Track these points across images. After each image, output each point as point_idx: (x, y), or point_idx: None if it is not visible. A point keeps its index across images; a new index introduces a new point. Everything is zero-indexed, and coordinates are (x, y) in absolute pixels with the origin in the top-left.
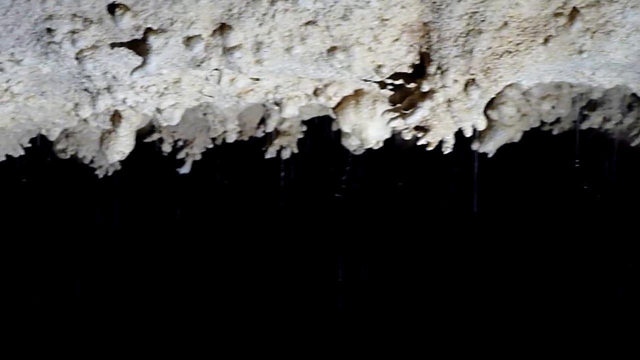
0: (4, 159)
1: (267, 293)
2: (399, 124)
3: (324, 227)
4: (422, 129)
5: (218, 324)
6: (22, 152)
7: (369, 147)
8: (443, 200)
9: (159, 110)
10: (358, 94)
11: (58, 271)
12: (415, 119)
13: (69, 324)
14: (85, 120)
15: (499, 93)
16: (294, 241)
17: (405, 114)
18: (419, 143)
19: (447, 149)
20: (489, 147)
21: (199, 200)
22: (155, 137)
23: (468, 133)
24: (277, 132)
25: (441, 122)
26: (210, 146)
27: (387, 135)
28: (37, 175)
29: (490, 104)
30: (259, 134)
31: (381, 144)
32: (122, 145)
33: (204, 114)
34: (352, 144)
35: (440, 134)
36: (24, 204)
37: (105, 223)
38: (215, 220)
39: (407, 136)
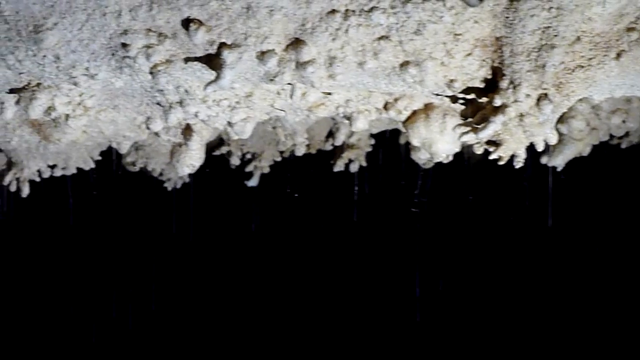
0: (74, 171)
1: (343, 307)
2: (470, 138)
3: (396, 242)
4: (493, 143)
5: (295, 336)
6: (92, 165)
7: (438, 161)
8: (514, 213)
9: (230, 124)
10: (428, 108)
11: (132, 283)
12: (488, 133)
13: (146, 337)
14: (156, 133)
15: (569, 107)
16: (366, 255)
17: (477, 128)
18: (491, 157)
19: (519, 163)
20: (558, 161)
21: (268, 213)
22: (224, 150)
23: (540, 147)
24: (345, 145)
25: (513, 136)
26: (279, 159)
27: (457, 149)
28: (106, 187)
29: (560, 118)
30: (327, 147)
31: (451, 158)
32: (193, 159)
33: (273, 127)
34: (421, 157)
35: (512, 149)
36: (95, 216)
37: (177, 235)
38: (286, 233)
39: (479, 150)
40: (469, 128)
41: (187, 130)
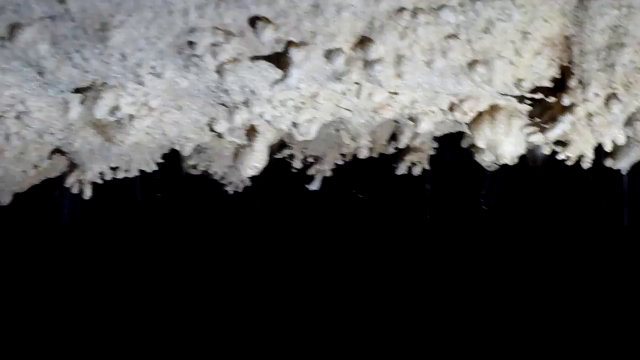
0: (137, 173)
1: (412, 307)
2: (538, 138)
3: (465, 243)
4: (561, 143)
5: (363, 339)
6: (155, 167)
7: (503, 163)
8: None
9: (295, 125)
10: (494, 109)
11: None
12: (556, 133)
13: (212, 336)
14: (219, 135)
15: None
16: (436, 257)
17: (545, 128)
18: (559, 157)
19: (586, 163)
20: (623, 163)
21: (332, 215)
22: (285, 153)
23: (608, 148)
24: (408, 148)
25: (581, 136)
26: (341, 162)
27: (522, 151)
28: (169, 190)
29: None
30: (390, 150)
31: (516, 160)
32: (257, 160)
33: (336, 130)
34: (485, 159)
35: (580, 149)
36: (159, 218)
37: (241, 238)
38: (350, 236)
39: (546, 151)
40: (537, 128)
41: (251, 132)
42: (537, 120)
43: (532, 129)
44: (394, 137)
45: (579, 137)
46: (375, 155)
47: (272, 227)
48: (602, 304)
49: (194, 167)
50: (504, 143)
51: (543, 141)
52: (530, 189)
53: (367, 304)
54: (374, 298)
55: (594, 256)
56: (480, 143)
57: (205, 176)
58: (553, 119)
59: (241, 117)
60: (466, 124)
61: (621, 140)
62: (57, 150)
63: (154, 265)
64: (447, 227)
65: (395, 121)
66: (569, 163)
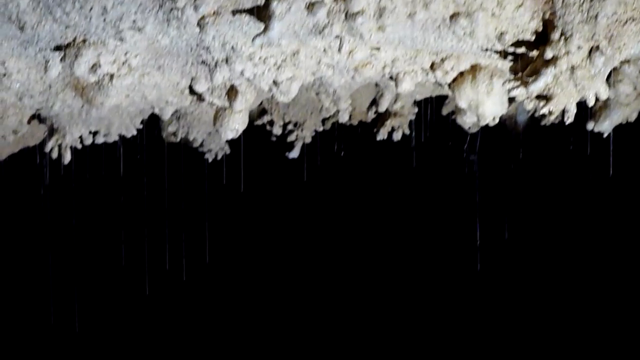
0: (116, 138)
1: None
2: (520, 93)
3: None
4: (544, 98)
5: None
6: (134, 132)
7: (485, 123)
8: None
9: (275, 84)
10: (475, 69)
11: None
12: (538, 86)
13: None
14: (200, 96)
15: (615, 69)
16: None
17: (527, 82)
18: (541, 112)
19: (569, 118)
20: (605, 126)
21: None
22: (265, 119)
23: (591, 102)
24: (388, 113)
25: (564, 90)
26: (320, 129)
27: (504, 111)
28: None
29: (606, 82)
30: (370, 116)
31: (497, 121)
32: (237, 122)
33: (317, 94)
34: (467, 121)
35: (563, 103)
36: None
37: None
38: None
39: (529, 106)
40: (518, 83)
41: (232, 92)
42: (520, 75)
43: (514, 83)
44: (374, 103)
45: (561, 91)
46: (355, 122)
47: (252, 194)
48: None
49: (174, 134)
50: (485, 103)
51: (525, 95)
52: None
53: (352, 268)
54: (359, 261)
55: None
56: (462, 103)
57: (185, 144)
58: (535, 73)
59: (222, 75)
60: (447, 84)
61: (604, 94)
62: (36, 117)
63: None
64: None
65: (376, 84)
66: (551, 118)
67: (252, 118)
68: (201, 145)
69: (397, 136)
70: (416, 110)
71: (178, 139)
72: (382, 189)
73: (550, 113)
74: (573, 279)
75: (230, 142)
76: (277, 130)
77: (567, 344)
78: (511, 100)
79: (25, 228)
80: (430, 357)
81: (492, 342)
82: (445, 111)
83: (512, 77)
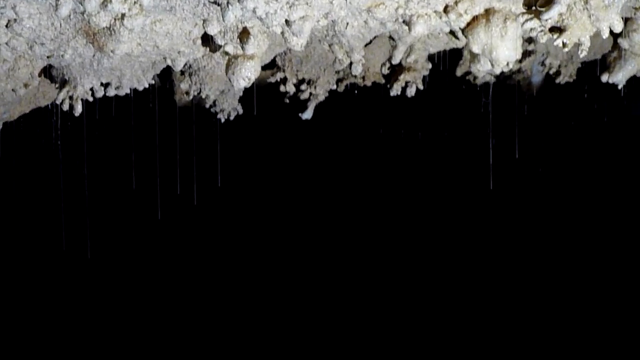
0: (128, 91)
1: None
2: (534, 24)
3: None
4: (557, 30)
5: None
6: (146, 85)
7: (499, 70)
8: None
9: (288, 23)
10: (489, 12)
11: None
12: (551, 15)
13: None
14: (212, 44)
15: (630, 19)
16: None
17: (540, 12)
18: (555, 44)
19: (583, 52)
20: (619, 77)
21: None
22: (278, 76)
23: (605, 34)
24: (402, 68)
25: (577, 21)
26: (334, 87)
27: (518, 57)
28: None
29: (621, 32)
30: (384, 70)
31: (510, 67)
32: (249, 70)
33: (330, 45)
34: (480, 69)
35: (576, 35)
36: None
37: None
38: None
39: (542, 39)
40: (532, 15)
41: (244, 34)
42: (533, 7)
43: (527, 15)
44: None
45: (575, 22)
46: (369, 82)
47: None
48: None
49: (187, 93)
50: (499, 47)
51: (539, 27)
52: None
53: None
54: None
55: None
56: (475, 48)
57: (198, 104)
58: (549, 3)
59: (233, 14)
60: (461, 29)
61: (618, 26)
62: (47, 70)
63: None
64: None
65: (390, 38)
66: (565, 50)
67: (265, 77)
68: (214, 104)
69: (410, 92)
70: (430, 65)
71: (190, 97)
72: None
73: (564, 45)
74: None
75: (244, 102)
76: (289, 87)
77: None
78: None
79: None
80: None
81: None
82: (459, 72)
83: (525, 9)
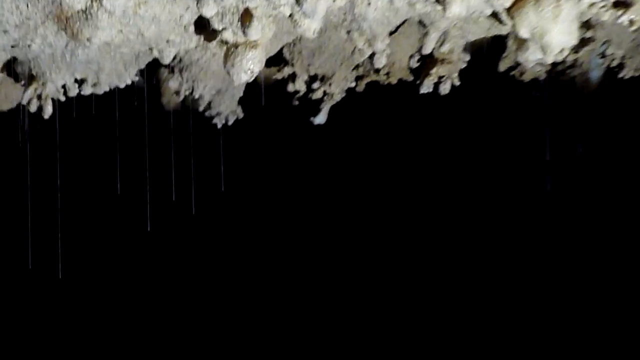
0: (107, 89)
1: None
2: None
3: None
4: (623, 4)
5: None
6: (128, 81)
7: (552, 58)
8: None
9: (298, 2)
10: None
11: None
12: None
13: None
14: (207, 31)
15: None
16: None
17: None
18: (619, 21)
19: None
20: None
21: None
22: (286, 72)
23: None
24: (434, 60)
25: None
26: (352, 84)
27: (574, 42)
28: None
29: None
30: (413, 65)
31: (565, 54)
32: (252, 61)
33: (348, 32)
34: (530, 58)
35: None
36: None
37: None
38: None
39: (604, 16)
40: None
41: (246, 16)
42: None
43: None
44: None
45: None
46: (394, 79)
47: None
48: None
49: (177, 92)
50: (551, 30)
51: (601, 2)
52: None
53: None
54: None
55: None
56: (524, 32)
57: (190, 106)
58: None
59: None
60: (505, 9)
61: None
62: (11, 64)
63: None
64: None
65: (420, 23)
66: (633, 28)
67: (271, 74)
68: (209, 106)
69: (444, 89)
70: (468, 57)
71: (181, 98)
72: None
73: (631, 23)
74: None
75: (244, 104)
76: (300, 85)
77: None
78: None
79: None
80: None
81: None
82: (503, 66)
83: None
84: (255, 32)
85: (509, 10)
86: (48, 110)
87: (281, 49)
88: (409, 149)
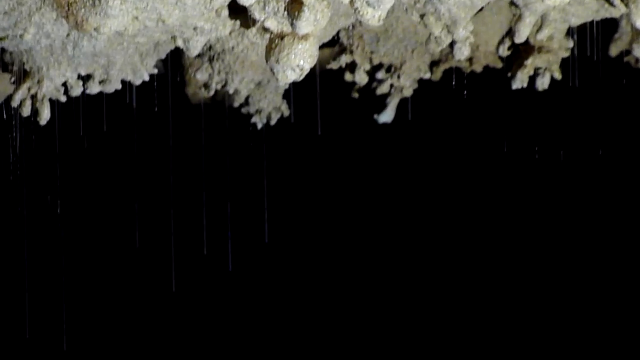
0: (118, 87)
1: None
2: None
3: None
4: None
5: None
6: (146, 77)
7: None
8: None
9: None
10: None
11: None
12: None
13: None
14: (245, 16)
15: None
16: None
17: None
18: None
19: None
20: None
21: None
22: (343, 61)
23: None
24: (530, 49)
25: None
26: (427, 75)
27: None
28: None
29: None
30: (503, 52)
31: None
32: (302, 55)
33: (422, 16)
34: None
35: None
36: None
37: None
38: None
39: None
40: None
41: (295, 4)
42: None
43: None
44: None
45: None
46: (479, 67)
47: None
48: None
49: (206, 85)
50: None
51: None
52: None
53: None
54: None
55: None
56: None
57: (222, 102)
58: None
59: None
60: None
61: None
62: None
63: None
64: None
65: (511, 4)
66: None
67: (325, 59)
68: (246, 102)
69: (542, 83)
70: (571, 44)
71: (211, 92)
72: None
73: None
74: None
75: (289, 99)
76: (360, 76)
77: None
78: None
79: None
80: None
81: None
82: (614, 50)
83: None
84: (307, 24)
85: None
86: (45, 115)
87: (337, 32)
88: (496, 153)
